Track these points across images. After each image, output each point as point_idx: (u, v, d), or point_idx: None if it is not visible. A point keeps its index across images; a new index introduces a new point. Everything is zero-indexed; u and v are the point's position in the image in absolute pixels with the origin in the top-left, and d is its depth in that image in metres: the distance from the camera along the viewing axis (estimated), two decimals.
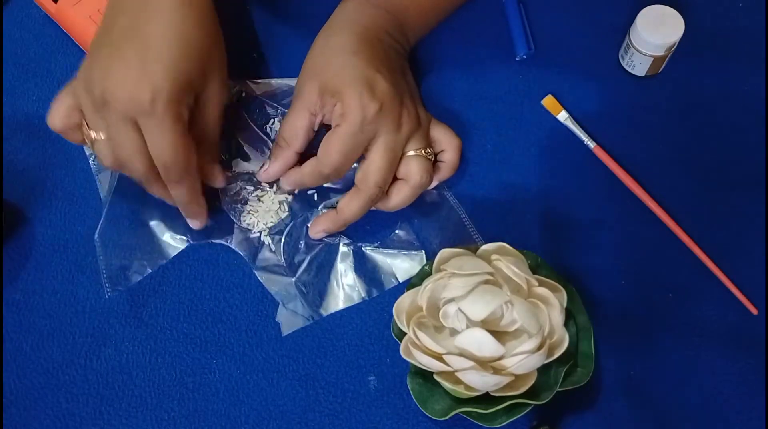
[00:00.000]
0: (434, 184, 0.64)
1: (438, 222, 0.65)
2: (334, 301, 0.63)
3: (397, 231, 0.65)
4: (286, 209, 0.65)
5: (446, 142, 0.64)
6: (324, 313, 0.62)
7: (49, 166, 0.68)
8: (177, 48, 0.55)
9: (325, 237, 0.64)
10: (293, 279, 0.63)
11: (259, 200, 0.65)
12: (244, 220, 0.65)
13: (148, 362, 0.61)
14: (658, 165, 0.67)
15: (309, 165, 0.62)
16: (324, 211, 0.64)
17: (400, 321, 0.56)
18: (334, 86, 0.59)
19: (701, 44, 0.70)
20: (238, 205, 0.65)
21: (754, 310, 0.61)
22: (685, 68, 0.70)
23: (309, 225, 0.64)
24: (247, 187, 0.65)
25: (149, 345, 0.62)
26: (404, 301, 0.57)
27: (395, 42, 0.65)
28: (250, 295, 0.63)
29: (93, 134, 0.57)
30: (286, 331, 0.62)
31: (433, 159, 0.63)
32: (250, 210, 0.65)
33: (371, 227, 0.65)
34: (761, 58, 0.70)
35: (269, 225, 0.65)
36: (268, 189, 0.66)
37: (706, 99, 0.69)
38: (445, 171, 0.64)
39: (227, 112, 0.64)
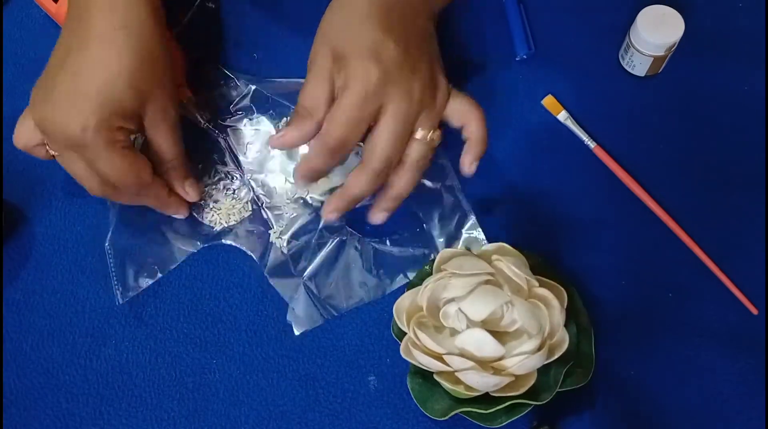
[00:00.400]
0: (470, 164, 0.60)
1: (444, 221, 0.65)
2: (346, 300, 0.63)
3: (406, 228, 0.65)
4: (249, 209, 0.65)
5: (466, 115, 0.59)
6: (335, 312, 0.62)
7: (49, 166, 0.68)
8: (104, 78, 0.56)
9: (334, 233, 0.64)
10: (303, 279, 0.63)
11: (224, 199, 0.66)
12: (206, 217, 0.65)
13: (148, 362, 0.61)
14: (658, 165, 0.67)
15: (314, 143, 0.58)
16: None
17: (401, 321, 0.56)
18: (342, 51, 0.56)
19: (701, 44, 0.70)
20: (201, 202, 0.66)
21: (754, 310, 0.62)
22: (685, 68, 0.70)
23: (321, 212, 0.62)
24: (215, 186, 0.66)
25: (149, 345, 0.62)
26: (404, 301, 0.57)
27: (418, 2, 0.60)
28: (250, 295, 0.63)
29: (53, 152, 0.59)
30: (298, 331, 0.62)
31: (436, 144, 0.59)
32: (213, 207, 0.65)
33: (383, 225, 0.65)
34: (761, 58, 0.70)
35: (230, 223, 0.65)
36: (233, 188, 0.66)
37: (706, 99, 0.69)
38: (476, 147, 0.59)
39: (202, 136, 0.67)
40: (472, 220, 0.64)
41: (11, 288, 0.64)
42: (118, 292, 0.62)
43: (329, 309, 0.62)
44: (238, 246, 0.64)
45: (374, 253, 0.64)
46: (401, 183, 0.59)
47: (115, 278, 0.63)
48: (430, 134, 0.58)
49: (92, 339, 0.62)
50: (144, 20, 0.58)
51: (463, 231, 0.64)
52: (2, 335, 0.62)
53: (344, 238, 0.64)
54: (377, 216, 0.61)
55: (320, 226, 0.64)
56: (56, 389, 0.60)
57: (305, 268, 0.63)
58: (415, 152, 0.58)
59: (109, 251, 0.64)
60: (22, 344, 0.62)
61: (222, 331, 0.62)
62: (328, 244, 0.64)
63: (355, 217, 0.65)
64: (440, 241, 0.64)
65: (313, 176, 0.60)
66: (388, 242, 0.64)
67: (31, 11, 0.74)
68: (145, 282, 0.63)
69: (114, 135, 0.57)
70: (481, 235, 0.64)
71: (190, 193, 0.64)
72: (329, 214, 0.60)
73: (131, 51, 0.57)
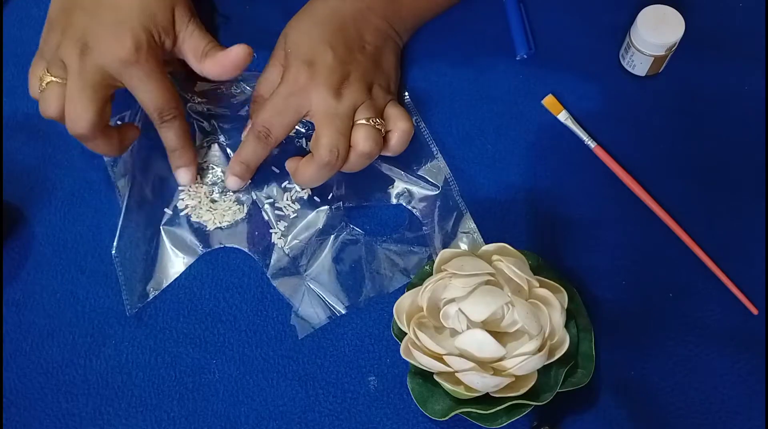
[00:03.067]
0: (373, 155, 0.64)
1: (441, 220, 0.65)
2: (349, 299, 0.62)
3: (406, 228, 0.65)
4: (245, 211, 0.65)
5: (394, 122, 0.63)
6: (338, 312, 0.62)
7: (49, 166, 0.68)
8: (143, 8, 0.61)
9: (335, 232, 0.64)
10: (306, 280, 0.63)
11: (221, 199, 0.66)
12: (201, 216, 0.65)
13: (148, 362, 0.61)
14: (658, 165, 0.67)
15: (245, 134, 0.65)
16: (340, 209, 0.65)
17: (401, 321, 0.56)
18: (290, 51, 0.63)
19: (701, 44, 0.70)
20: (199, 201, 0.66)
21: (754, 310, 0.62)
22: (685, 68, 0.70)
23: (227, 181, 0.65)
24: (211, 187, 0.66)
25: (149, 345, 0.62)
26: (404, 302, 0.57)
27: (378, 19, 0.66)
28: (250, 295, 0.63)
29: (49, 78, 0.60)
30: (302, 334, 0.62)
31: (383, 130, 0.63)
32: (210, 207, 0.65)
33: (383, 224, 0.65)
34: (761, 58, 0.70)
35: (223, 224, 0.65)
36: (229, 191, 0.66)
37: (706, 99, 0.69)
38: (385, 147, 0.64)
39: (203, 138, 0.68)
40: (468, 219, 0.64)
41: (11, 288, 0.64)
42: (127, 304, 0.62)
43: (331, 308, 0.62)
44: (240, 247, 0.64)
45: (375, 252, 0.64)
46: (348, 164, 0.62)
47: (125, 291, 0.63)
48: (371, 119, 0.62)
49: (92, 339, 0.62)
50: None
51: (459, 231, 0.64)
52: (2, 335, 0.62)
53: (346, 237, 0.64)
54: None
55: (321, 225, 0.64)
56: (56, 389, 0.60)
57: (307, 268, 0.63)
58: (360, 136, 0.61)
59: (117, 260, 0.64)
60: (22, 344, 0.62)
61: (222, 332, 0.62)
62: (330, 243, 0.64)
63: (356, 216, 0.65)
64: (438, 240, 0.64)
65: (243, 170, 0.64)
66: (388, 241, 0.64)
67: (31, 11, 0.74)
68: (154, 293, 0.63)
69: (160, 54, 0.61)
70: (478, 234, 0.64)
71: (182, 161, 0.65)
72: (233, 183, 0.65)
73: None
